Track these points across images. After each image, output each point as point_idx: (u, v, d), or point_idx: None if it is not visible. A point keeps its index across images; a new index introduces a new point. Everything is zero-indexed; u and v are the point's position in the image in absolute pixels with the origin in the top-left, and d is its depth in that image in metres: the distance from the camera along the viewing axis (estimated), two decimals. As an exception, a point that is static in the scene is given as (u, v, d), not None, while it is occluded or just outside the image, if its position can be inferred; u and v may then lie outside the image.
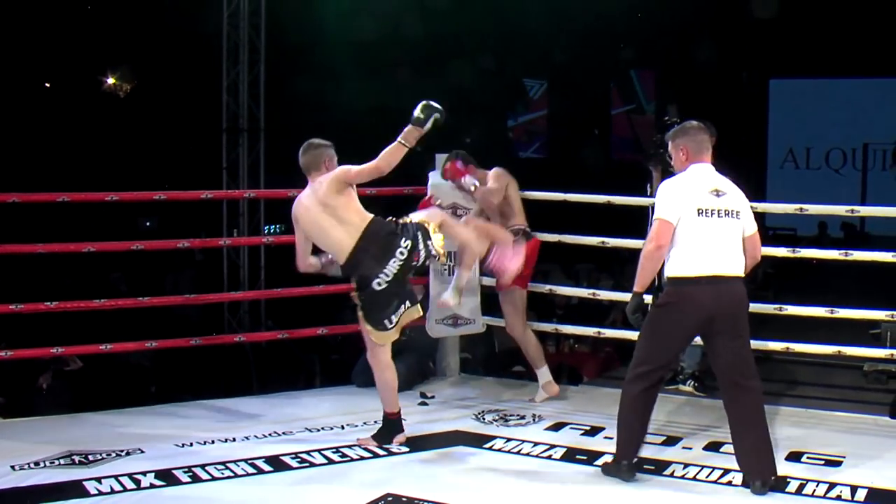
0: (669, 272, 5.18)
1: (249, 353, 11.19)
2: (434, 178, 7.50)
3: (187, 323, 11.10)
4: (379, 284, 5.73)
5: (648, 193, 7.36)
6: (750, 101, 20.37)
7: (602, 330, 7.88)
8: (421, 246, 5.77)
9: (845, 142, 20.97)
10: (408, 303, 5.89)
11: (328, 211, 5.76)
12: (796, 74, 20.78)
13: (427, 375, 7.84)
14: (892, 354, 6.96)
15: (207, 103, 13.54)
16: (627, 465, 5.28)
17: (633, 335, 5.89)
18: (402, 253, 5.72)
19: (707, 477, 5.43)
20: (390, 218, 5.86)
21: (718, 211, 5.14)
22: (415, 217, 5.93)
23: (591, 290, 8.48)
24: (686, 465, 5.57)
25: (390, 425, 6.04)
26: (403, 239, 5.74)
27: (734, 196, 5.25)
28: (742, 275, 5.19)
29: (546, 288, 7.94)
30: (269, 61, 12.63)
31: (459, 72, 18.13)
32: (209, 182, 12.69)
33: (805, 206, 6.76)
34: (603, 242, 7.38)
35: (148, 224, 19.28)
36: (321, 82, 17.18)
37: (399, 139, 5.70)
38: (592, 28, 18.19)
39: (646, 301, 5.38)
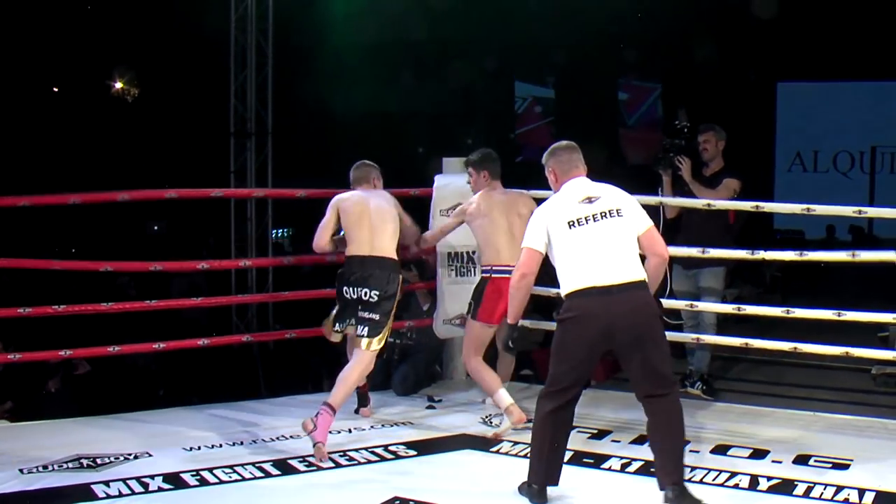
0: (562, 290, 5.00)
1: (257, 356, 11.20)
2: (440, 180, 7.51)
3: (195, 326, 11.11)
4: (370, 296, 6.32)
5: (661, 195, 7.41)
6: (757, 104, 20.33)
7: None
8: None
9: (853, 145, 20.93)
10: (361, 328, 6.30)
11: (391, 216, 6.49)
12: (804, 77, 20.75)
13: (434, 379, 7.85)
14: (900, 357, 6.95)
15: (215, 107, 13.55)
16: (537, 489, 5.05)
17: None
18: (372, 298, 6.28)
19: (714, 480, 5.43)
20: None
21: (592, 216, 4.97)
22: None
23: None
24: (693, 469, 5.56)
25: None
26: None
27: (610, 197, 5.08)
28: (640, 279, 4.94)
29: (553, 292, 7.92)
30: (277, 65, 12.63)
31: (464, 75, 18.15)
32: (217, 186, 12.63)
33: (812, 207, 6.73)
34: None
35: (156, 228, 19.33)
36: (328, 86, 17.20)
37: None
38: (596, 32, 18.18)
39: (518, 331, 5.42)
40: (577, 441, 6.10)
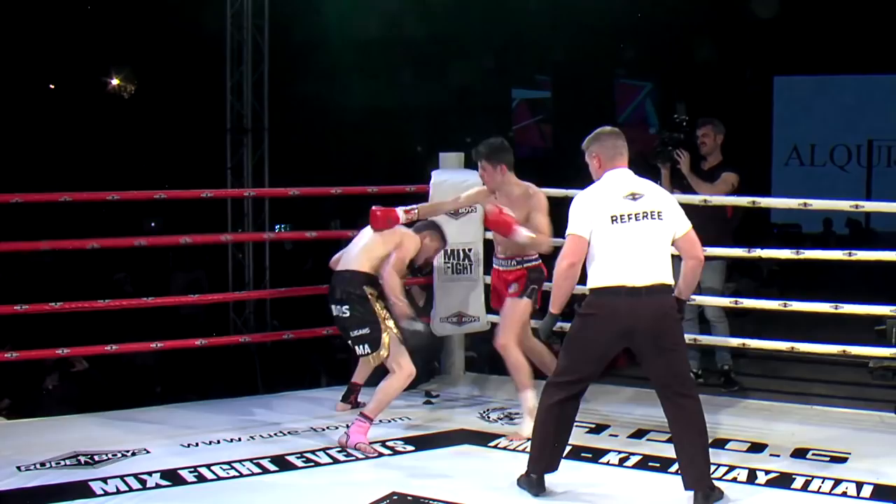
0: (589, 283, 4.95)
1: (255, 353, 11.19)
2: (437, 176, 7.49)
3: (193, 323, 11.11)
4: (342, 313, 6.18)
5: None
6: (754, 99, 20.33)
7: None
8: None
9: (850, 138, 20.94)
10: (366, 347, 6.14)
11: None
12: (800, 71, 20.76)
13: (432, 374, 7.84)
14: (897, 352, 6.96)
15: (211, 104, 13.54)
16: (536, 479, 5.05)
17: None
18: (344, 313, 6.15)
19: (713, 474, 5.41)
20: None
21: (635, 215, 4.89)
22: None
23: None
24: (691, 462, 5.56)
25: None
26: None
27: (653, 197, 5.00)
28: (668, 282, 4.91)
29: (550, 286, 7.92)
30: (273, 62, 12.62)
31: (462, 72, 18.12)
32: (214, 182, 12.70)
33: (809, 201, 6.73)
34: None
35: (153, 225, 19.29)
36: (325, 83, 17.18)
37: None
38: (594, 28, 18.17)
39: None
40: (575, 435, 6.06)
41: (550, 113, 22.54)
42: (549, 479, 5.13)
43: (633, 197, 4.94)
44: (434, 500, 5.03)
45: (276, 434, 6.25)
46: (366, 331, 6.06)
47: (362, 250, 6.23)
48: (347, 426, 6.05)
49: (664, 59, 20.63)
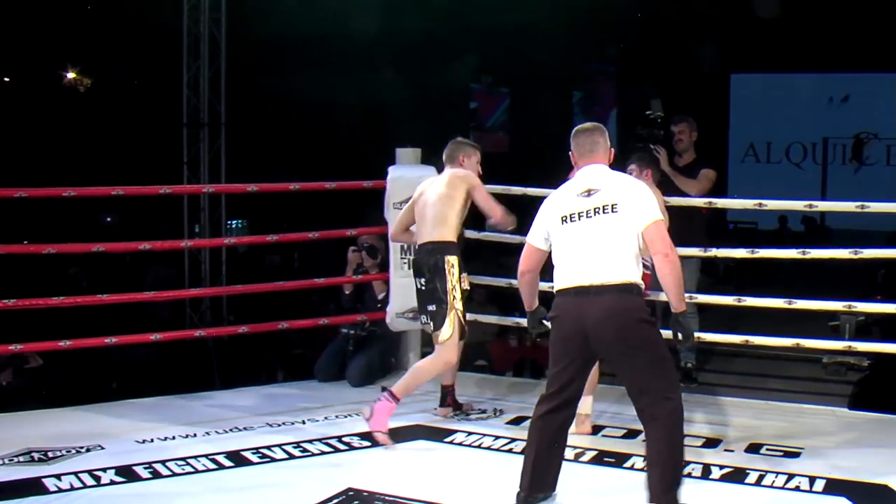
0: (553, 287, 4.82)
1: (211, 348, 11.12)
2: (393, 172, 7.48)
3: (151, 319, 11.02)
4: (421, 284, 6.27)
5: None
6: (711, 96, 20.42)
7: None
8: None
9: (805, 136, 21.14)
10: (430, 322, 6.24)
11: (438, 199, 6.25)
12: (757, 69, 20.88)
13: (389, 370, 7.83)
14: (850, 346, 7.01)
15: (168, 98, 13.45)
16: (523, 497, 4.80)
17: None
18: (421, 286, 6.27)
19: (702, 473, 5.44)
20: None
21: (586, 212, 4.66)
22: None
23: (550, 285, 8.42)
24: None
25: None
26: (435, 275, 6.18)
27: (611, 191, 4.70)
28: (625, 280, 4.59)
29: (505, 282, 7.94)
30: (230, 56, 12.55)
31: (420, 69, 18.10)
32: (170, 177, 12.58)
33: (764, 202, 6.76)
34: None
35: (109, 220, 19.15)
36: (282, 77, 17.12)
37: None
38: (551, 25, 18.18)
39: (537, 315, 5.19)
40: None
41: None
42: (501, 474, 5.16)
43: (588, 193, 4.72)
44: (390, 496, 5.02)
45: (231, 430, 6.23)
46: (433, 307, 6.17)
47: (435, 220, 6.25)
48: (372, 404, 6.08)
49: (622, 56, 20.71)
